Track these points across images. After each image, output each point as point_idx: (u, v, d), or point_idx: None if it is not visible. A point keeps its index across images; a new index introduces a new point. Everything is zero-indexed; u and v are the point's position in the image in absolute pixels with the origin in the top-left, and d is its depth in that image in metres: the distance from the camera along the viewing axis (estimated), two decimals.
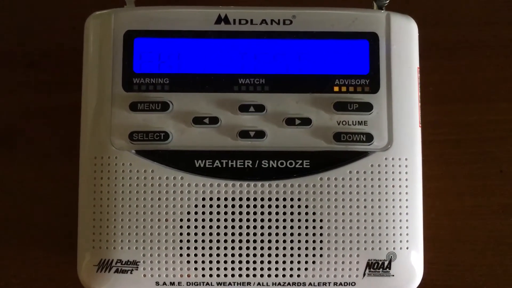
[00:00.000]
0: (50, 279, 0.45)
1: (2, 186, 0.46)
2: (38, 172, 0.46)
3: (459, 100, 0.47)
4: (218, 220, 0.38)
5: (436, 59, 0.47)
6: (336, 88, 0.39)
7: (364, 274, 0.38)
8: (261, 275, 0.38)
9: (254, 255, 0.38)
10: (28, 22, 0.48)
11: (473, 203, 0.46)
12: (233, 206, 0.38)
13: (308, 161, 0.38)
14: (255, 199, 0.38)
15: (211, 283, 0.38)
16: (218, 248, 0.38)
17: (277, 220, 0.38)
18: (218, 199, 0.38)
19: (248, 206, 0.38)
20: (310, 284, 0.38)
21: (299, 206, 0.38)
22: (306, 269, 0.38)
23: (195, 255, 0.38)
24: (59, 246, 0.45)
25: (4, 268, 0.46)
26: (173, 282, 0.38)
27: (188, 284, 0.38)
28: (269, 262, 0.38)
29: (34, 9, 0.48)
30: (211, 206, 0.38)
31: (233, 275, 0.38)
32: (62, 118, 0.47)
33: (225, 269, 0.38)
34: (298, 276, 0.38)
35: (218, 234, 0.38)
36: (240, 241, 0.38)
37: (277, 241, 0.38)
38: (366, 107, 0.39)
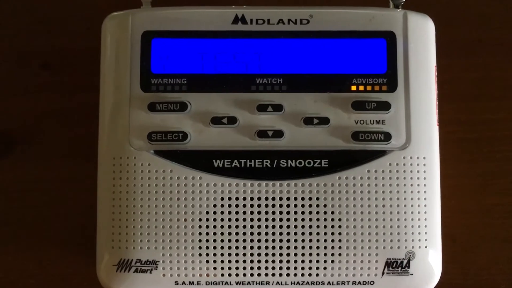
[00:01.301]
0: (67, 279, 0.46)
1: (18, 187, 0.47)
2: (53, 172, 0.46)
3: (474, 99, 0.47)
4: (236, 219, 0.38)
5: (451, 57, 0.47)
6: (353, 87, 0.39)
7: (383, 273, 0.38)
8: (280, 275, 0.38)
9: (273, 254, 0.38)
10: (43, 23, 0.48)
11: (489, 202, 0.46)
12: (251, 205, 0.38)
13: (327, 160, 0.38)
14: (273, 199, 0.38)
15: (230, 282, 0.38)
16: (236, 247, 0.38)
17: (295, 220, 0.38)
18: (237, 198, 0.38)
19: (266, 205, 0.38)
20: (329, 283, 0.38)
21: (317, 206, 0.38)
22: (325, 268, 0.38)
23: (214, 254, 0.38)
24: (76, 246, 0.46)
25: (21, 268, 0.46)
26: (192, 282, 0.38)
27: (207, 283, 0.38)
28: (288, 261, 0.38)
29: (49, 10, 0.48)
30: (229, 205, 0.38)
31: (252, 275, 0.38)
32: (78, 119, 0.47)
33: (244, 268, 0.38)
34: (317, 275, 0.38)
35: (236, 233, 0.38)
36: (259, 240, 0.38)
37: (296, 240, 0.38)
38: (384, 106, 0.39)
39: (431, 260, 0.39)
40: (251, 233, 0.38)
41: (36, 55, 0.48)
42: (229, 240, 0.38)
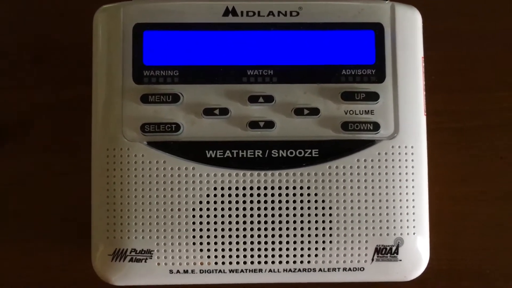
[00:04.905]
0: (63, 269, 0.46)
1: (12, 180, 0.47)
2: (47, 165, 0.47)
3: (460, 89, 0.48)
4: (229, 209, 0.39)
5: (438, 48, 0.47)
6: (343, 78, 0.40)
7: (372, 260, 0.39)
8: (272, 262, 0.39)
9: (266, 243, 0.39)
10: (36, 16, 0.48)
11: (475, 189, 0.47)
12: (244, 195, 0.39)
13: (317, 150, 0.39)
14: (265, 188, 0.39)
15: (224, 270, 0.39)
16: (230, 236, 0.39)
17: (287, 208, 0.39)
18: (229, 188, 0.39)
19: (258, 195, 0.39)
20: (320, 270, 0.39)
21: (308, 195, 0.39)
22: (316, 255, 0.39)
23: (208, 243, 0.39)
24: (72, 237, 0.46)
25: (17, 259, 0.46)
26: (187, 270, 0.39)
27: (201, 272, 0.39)
28: (280, 249, 0.39)
29: (41, 4, 0.49)
30: (222, 195, 0.39)
31: (245, 263, 0.39)
32: (71, 112, 0.47)
33: (237, 256, 0.39)
34: (309, 262, 0.39)
35: (229, 222, 0.39)
36: (252, 229, 0.39)
37: (287, 229, 0.39)
38: (373, 97, 0.40)
39: (419, 246, 0.40)
40: (244, 222, 0.39)
41: (28, 49, 0.48)
42: (222, 229, 0.39)
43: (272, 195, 0.39)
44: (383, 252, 0.39)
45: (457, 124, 0.48)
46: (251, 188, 0.39)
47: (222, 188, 0.39)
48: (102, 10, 0.41)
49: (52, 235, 0.46)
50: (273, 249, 0.39)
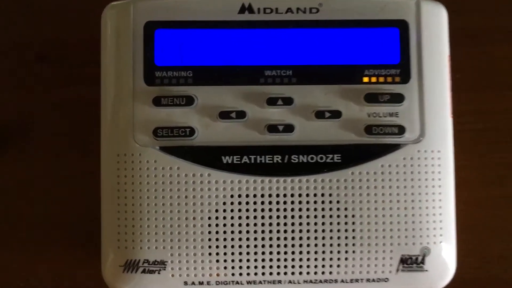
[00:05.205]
0: (71, 278, 0.45)
1: (16, 182, 0.45)
2: (51, 168, 0.45)
3: (486, 88, 0.46)
4: (247, 217, 0.37)
5: (463, 45, 0.45)
6: (365, 79, 0.38)
7: (397, 270, 0.37)
8: (292, 273, 0.37)
9: (285, 253, 0.37)
10: (40, 14, 0.47)
11: (501, 194, 0.45)
12: (262, 202, 0.37)
13: (339, 155, 0.37)
14: (285, 195, 0.37)
15: (241, 281, 0.37)
16: (247, 246, 0.37)
17: (308, 217, 0.37)
18: (247, 195, 0.37)
19: (278, 202, 0.37)
20: (342, 280, 0.37)
21: (330, 202, 0.37)
22: (338, 265, 0.37)
23: (224, 253, 0.37)
24: (80, 244, 0.44)
25: (23, 267, 0.45)
26: (202, 282, 0.37)
27: (218, 283, 0.37)
28: (300, 259, 0.37)
29: (45, 1, 0.47)
30: (239, 203, 0.37)
31: (263, 273, 0.37)
32: (76, 113, 0.46)
33: (255, 267, 0.37)
34: (330, 273, 0.37)
35: (247, 232, 0.37)
36: (271, 238, 0.37)
37: (308, 238, 0.37)
38: (398, 98, 0.38)
39: (446, 255, 0.38)
40: (262, 231, 0.37)
41: (32, 47, 0.46)
42: (240, 239, 0.37)
43: (292, 202, 0.37)
44: (408, 262, 0.37)
45: (482, 125, 0.46)
46: (270, 195, 0.37)
47: (239, 196, 0.37)
48: (111, 7, 0.39)
49: (59, 242, 0.45)
50: (293, 259, 0.37)
